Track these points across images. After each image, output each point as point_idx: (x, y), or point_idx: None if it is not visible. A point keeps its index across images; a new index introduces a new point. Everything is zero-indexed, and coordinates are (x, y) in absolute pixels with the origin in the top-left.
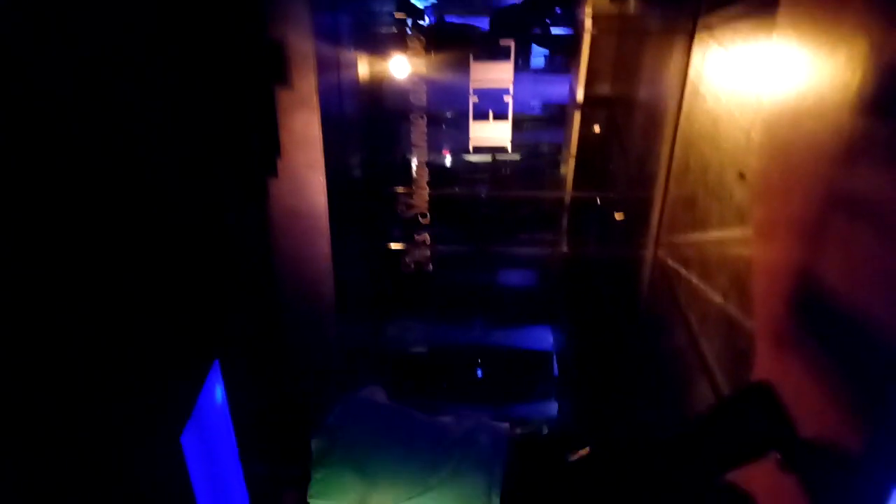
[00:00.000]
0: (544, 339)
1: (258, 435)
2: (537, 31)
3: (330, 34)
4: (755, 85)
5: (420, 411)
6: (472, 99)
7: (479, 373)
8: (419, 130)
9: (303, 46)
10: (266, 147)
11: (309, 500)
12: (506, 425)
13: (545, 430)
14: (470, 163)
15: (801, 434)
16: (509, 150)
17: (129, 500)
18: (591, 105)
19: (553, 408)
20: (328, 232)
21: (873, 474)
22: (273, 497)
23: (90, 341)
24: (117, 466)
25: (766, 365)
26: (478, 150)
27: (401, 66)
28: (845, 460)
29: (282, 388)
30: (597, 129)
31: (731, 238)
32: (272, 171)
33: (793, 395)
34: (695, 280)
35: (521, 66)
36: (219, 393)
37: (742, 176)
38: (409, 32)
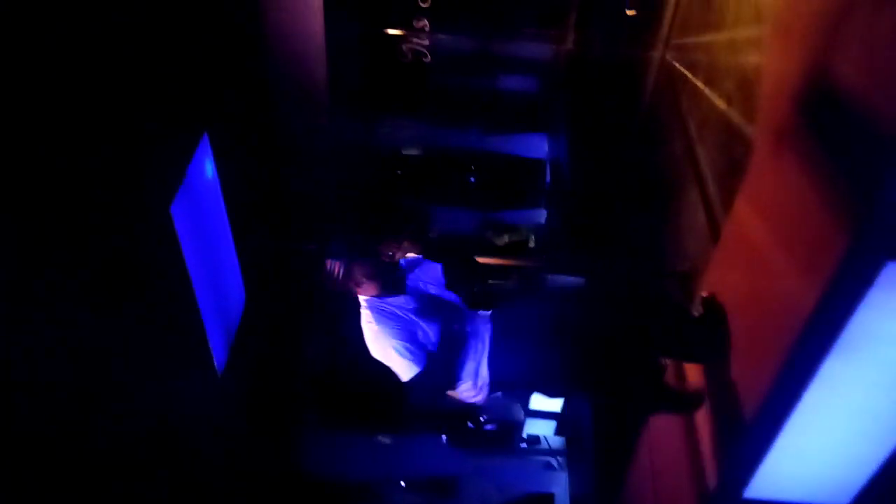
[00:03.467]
0: (539, 146)
1: (250, 210)
2: None
3: None
4: None
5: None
6: None
7: (472, 177)
8: None
9: None
10: None
11: None
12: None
13: (532, 240)
14: None
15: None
16: None
17: (120, 267)
18: None
19: (542, 215)
20: (321, 7)
21: (857, 265)
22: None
23: (77, 110)
24: (107, 234)
25: (762, 172)
26: None
27: None
28: (830, 254)
29: (272, 166)
30: None
31: (744, 39)
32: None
33: (782, 199)
34: (700, 85)
35: None
36: (209, 167)
37: None
38: None
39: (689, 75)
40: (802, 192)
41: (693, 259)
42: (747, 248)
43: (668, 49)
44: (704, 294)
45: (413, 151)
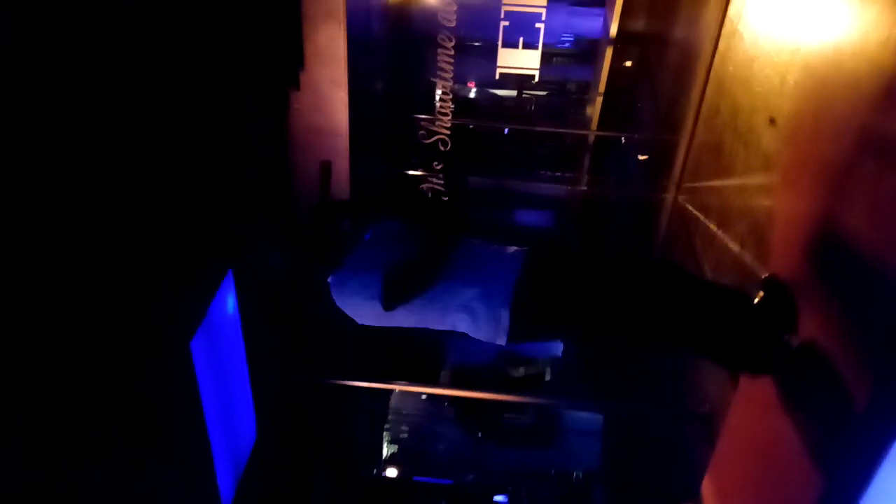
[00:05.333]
0: None
1: (268, 347)
2: None
3: None
4: (796, 27)
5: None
6: (503, 23)
7: None
8: (446, 56)
9: None
10: (289, 58)
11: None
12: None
13: (548, 373)
14: (495, 96)
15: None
16: (537, 78)
17: (136, 401)
18: (625, 41)
19: (558, 348)
20: (347, 151)
21: (877, 422)
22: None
23: (107, 244)
24: (126, 368)
25: None
26: (504, 78)
27: None
28: (850, 409)
29: (293, 303)
30: (628, 63)
31: (754, 185)
32: (294, 83)
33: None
34: (713, 227)
35: None
36: (231, 303)
37: (772, 121)
38: None
39: (702, 217)
40: (819, 338)
41: (713, 400)
42: (767, 392)
43: (680, 191)
44: (765, 274)
45: None
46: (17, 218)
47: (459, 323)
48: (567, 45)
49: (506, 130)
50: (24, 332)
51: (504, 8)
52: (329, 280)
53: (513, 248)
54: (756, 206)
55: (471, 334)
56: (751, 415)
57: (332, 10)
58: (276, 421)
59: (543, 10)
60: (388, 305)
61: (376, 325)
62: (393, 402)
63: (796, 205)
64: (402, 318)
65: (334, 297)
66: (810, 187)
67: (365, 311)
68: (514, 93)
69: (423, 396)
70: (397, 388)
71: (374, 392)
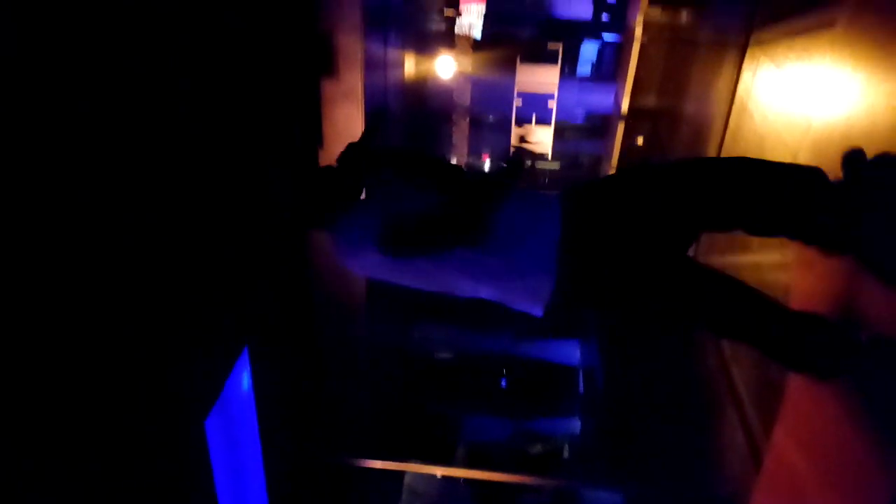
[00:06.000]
0: (571, 353)
1: (281, 423)
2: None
3: (379, 30)
4: (806, 105)
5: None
6: (516, 102)
7: (504, 383)
8: (461, 131)
9: (351, 40)
10: (308, 137)
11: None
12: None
13: (566, 450)
14: None
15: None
16: (549, 156)
17: (150, 479)
18: (636, 117)
19: (576, 425)
20: None
21: None
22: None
23: (123, 322)
24: (140, 446)
25: (799, 401)
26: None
27: (447, 66)
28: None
29: (308, 380)
30: (640, 141)
31: (769, 262)
32: (313, 162)
33: (822, 431)
34: None
35: (568, 72)
36: (245, 379)
37: None
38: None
39: None
40: (842, 426)
41: (734, 482)
42: (790, 481)
43: None
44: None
45: (446, 355)
46: (35, 292)
47: (491, 292)
48: (579, 120)
49: None
50: (40, 408)
51: (517, 89)
52: (329, 230)
53: (548, 195)
54: (772, 282)
55: (504, 304)
56: (774, 501)
57: (351, 90)
58: (288, 499)
59: (555, 91)
60: (386, 249)
61: (386, 279)
62: (407, 480)
63: (813, 283)
64: (417, 279)
65: (335, 249)
66: (827, 265)
67: (370, 262)
68: (527, 165)
69: (439, 475)
70: (412, 468)
71: (389, 471)
